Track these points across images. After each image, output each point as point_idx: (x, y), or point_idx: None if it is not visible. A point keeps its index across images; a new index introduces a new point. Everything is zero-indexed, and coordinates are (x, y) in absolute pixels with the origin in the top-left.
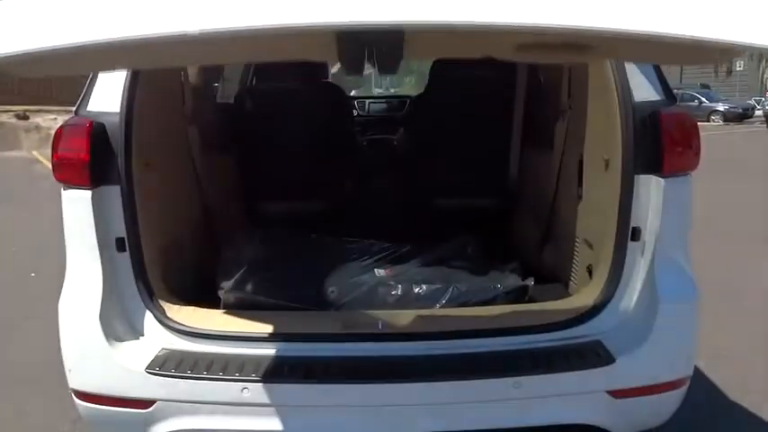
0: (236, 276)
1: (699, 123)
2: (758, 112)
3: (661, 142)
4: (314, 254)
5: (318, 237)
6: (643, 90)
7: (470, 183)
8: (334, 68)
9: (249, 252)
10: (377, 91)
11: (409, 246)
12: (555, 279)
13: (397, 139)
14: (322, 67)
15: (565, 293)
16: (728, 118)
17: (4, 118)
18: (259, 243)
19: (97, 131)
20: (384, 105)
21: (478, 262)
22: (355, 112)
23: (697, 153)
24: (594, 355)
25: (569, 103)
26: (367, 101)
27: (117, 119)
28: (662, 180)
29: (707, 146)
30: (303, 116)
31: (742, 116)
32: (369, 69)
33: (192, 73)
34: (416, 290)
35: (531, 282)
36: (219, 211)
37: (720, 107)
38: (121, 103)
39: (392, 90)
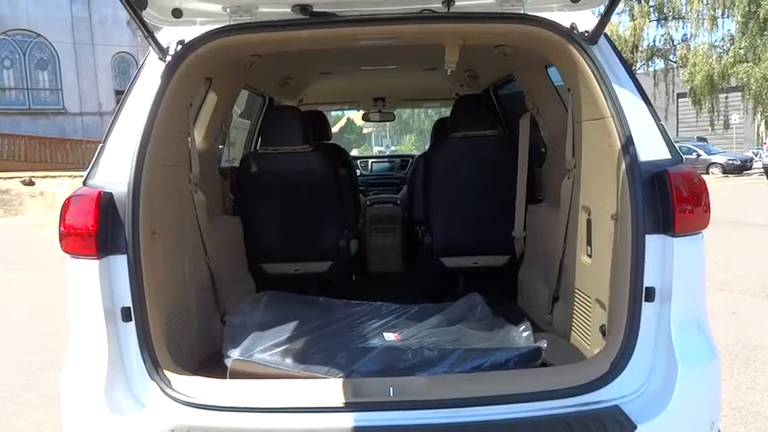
0: (243, 344)
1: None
2: (757, 164)
3: (670, 201)
4: (321, 318)
5: (325, 300)
6: (649, 149)
7: (476, 241)
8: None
9: (255, 317)
10: (377, 149)
11: (417, 307)
12: (565, 338)
13: (400, 198)
14: (325, 129)
15: (577, 354)
16: (728, 170)
17: (11, 184)
18: (264, 307)
19: (105, 201)
20: (387, 165)
21: (489, 322)
22: (359, 172)
23: (707, 211)
24: (616, 423)
25: (574, 161)
26: (370, 160)
27: (125, 188)
28: (673, 239)
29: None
30: (307, 177)
31: (741, 168)
32: (369, 128)
33: (199, 139)
34: (427, 354)
35: (544, 344)
36: (224, 275)
37: (719, 159)
38: (130, 174)
39: (392, 148)
